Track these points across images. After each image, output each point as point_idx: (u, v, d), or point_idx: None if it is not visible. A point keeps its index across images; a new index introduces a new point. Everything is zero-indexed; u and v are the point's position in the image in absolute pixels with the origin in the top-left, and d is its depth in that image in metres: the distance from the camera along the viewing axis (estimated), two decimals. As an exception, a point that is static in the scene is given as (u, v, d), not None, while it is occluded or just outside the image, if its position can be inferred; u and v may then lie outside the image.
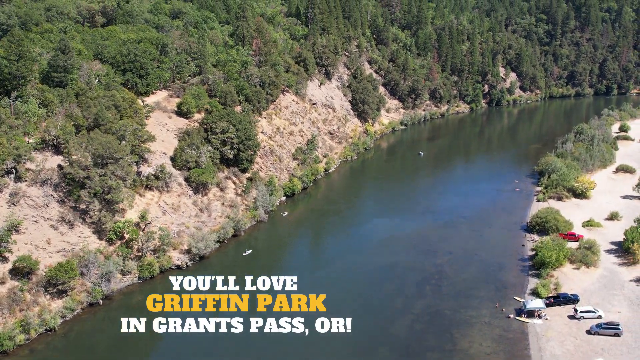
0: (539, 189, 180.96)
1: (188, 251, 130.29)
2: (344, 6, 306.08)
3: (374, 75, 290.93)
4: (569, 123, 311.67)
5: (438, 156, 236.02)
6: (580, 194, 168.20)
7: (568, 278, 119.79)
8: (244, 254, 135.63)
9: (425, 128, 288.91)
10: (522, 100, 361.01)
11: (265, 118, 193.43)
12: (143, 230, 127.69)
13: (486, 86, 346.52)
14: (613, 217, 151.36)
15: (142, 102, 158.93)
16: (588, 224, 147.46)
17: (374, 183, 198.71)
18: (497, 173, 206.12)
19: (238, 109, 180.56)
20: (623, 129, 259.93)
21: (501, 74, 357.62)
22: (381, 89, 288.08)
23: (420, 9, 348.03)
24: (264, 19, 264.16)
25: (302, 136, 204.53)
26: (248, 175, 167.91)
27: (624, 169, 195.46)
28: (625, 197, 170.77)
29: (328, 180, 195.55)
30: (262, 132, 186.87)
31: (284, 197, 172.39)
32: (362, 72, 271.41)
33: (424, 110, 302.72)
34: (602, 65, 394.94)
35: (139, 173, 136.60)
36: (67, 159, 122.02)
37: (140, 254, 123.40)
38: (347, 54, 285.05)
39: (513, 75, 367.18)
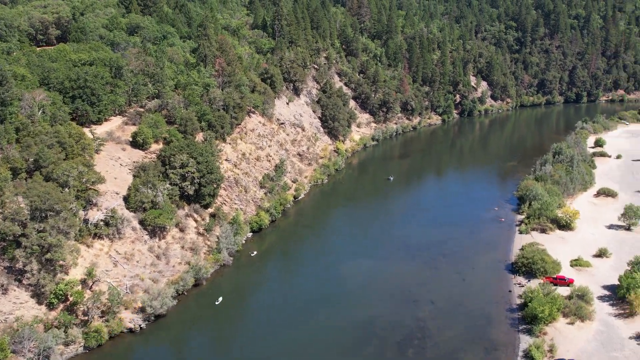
0: (520, 217, 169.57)
1: (142, 309, 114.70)
2: (312, 16, 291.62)
3: (344, 88, 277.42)
4: (541, 134, 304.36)
5: (410, 178, 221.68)
6: (565, 225, 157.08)
7: (563, 336, 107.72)
8: (216, 303, 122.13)
9: (397, 143, 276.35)
10: (493, 110, 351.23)
11: (229, 144, 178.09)
12: (90, 289, 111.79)
13: (457, 96, 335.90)
14: (602, 253, 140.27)
15: (93, 133, 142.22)
16: (576, 263, 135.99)
17: (346, 212, 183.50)
18: (474, 197, 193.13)
19: (200, 136, 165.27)
20: (598, 143, 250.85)
21: (472, 83, 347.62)
22: (351, 103, 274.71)
23: (390, 18, 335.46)
24: (229, 32, 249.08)
25: (269, 161, 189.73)
26: (211, 210, 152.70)
27: (605, 193, 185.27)
28: (611, 226, 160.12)
29: (298, 208, 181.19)
30: (226, 160, 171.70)
31: (251, 233, 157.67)
32: (331, 86, 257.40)
33: (395, 123, 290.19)
34: (572, 72, 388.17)
35: (85, 221, 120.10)
36: (0, 212, 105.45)
37: (86, 318, 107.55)
38: (315, 66, 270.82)
39: (484, 84, 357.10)
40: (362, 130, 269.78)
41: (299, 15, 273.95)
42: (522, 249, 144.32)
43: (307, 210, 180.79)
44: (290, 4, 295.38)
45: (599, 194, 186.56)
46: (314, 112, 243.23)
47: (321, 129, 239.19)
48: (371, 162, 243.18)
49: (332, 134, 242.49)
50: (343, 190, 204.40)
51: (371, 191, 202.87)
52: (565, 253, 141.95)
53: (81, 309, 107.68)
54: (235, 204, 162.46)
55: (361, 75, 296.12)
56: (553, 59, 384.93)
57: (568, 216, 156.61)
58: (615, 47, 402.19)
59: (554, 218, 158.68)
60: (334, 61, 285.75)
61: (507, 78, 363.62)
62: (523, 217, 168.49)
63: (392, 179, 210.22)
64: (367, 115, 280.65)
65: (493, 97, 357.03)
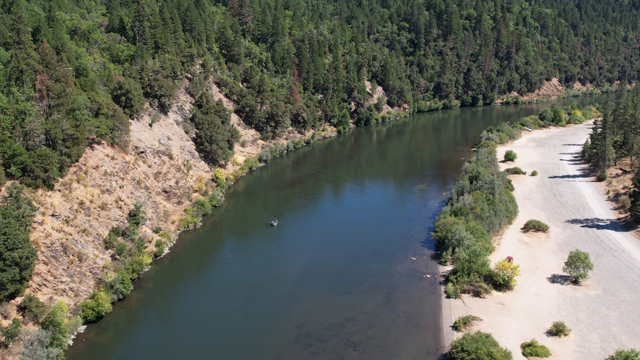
0: (444, 269, 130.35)
1: None
2: (185, 16, 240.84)
3: (225, 101, 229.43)
4: (443, 145, 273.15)
5: (304, 216, 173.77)
6: (502, 284, 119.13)
7: None
8: None
9: (289, 162, 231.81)
10: (390, 117, 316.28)
11: (59, 191, 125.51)
12: None
13: (353, 104, 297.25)
14: (558, 331, 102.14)
15: None
16: (531, 350, 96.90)
17: (221, 279, 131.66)
18: (383, 239, 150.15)
19: (7, 187, 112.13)
20: (509, 157, 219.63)
21: (367, 89, 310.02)
22: (234, 118, 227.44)
23: (276, 18, 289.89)
24: (78, 35, 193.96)
25: (120, 208, 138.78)
26: (20, 301, 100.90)
27: (534, 226, 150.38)
28: (554, 279, 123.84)
29: (158, 272, 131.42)
30: (53, 216, 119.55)
31: (84, 327, 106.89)
32: (209, 99, 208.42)
33: (286, 139, 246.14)
34: (467, 75, 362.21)
35: None
36: None
37: None
38: (189, 76, 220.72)
39: (380, 89, 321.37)
40: (248, 149, 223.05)
41: (166, 16, 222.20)
42: (455, 327, 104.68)
43: (169, 278, 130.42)
44: (157, 3, 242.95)
45: (527, 227, 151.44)
46: (186, 132, 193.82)
47: (196, 153, 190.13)
48: (257, 193, 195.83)
49: (210, 158, 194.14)
50: (220, 241, 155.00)
51: (255, 240, 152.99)
52: (512, 332, 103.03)
53: None
54: (63, 282, 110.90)
55: (245, 84, 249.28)
56: (448, 61, 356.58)
57: (506, 273, 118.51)
58: (506, 48, 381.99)
59: (488, 274, 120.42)
60: (212, 69, 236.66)
61: (403, 82, 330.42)
62: (447, 269, 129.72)
63: (275, 223, 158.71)
64: (252, 132, 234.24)
65: (390, 103, 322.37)
